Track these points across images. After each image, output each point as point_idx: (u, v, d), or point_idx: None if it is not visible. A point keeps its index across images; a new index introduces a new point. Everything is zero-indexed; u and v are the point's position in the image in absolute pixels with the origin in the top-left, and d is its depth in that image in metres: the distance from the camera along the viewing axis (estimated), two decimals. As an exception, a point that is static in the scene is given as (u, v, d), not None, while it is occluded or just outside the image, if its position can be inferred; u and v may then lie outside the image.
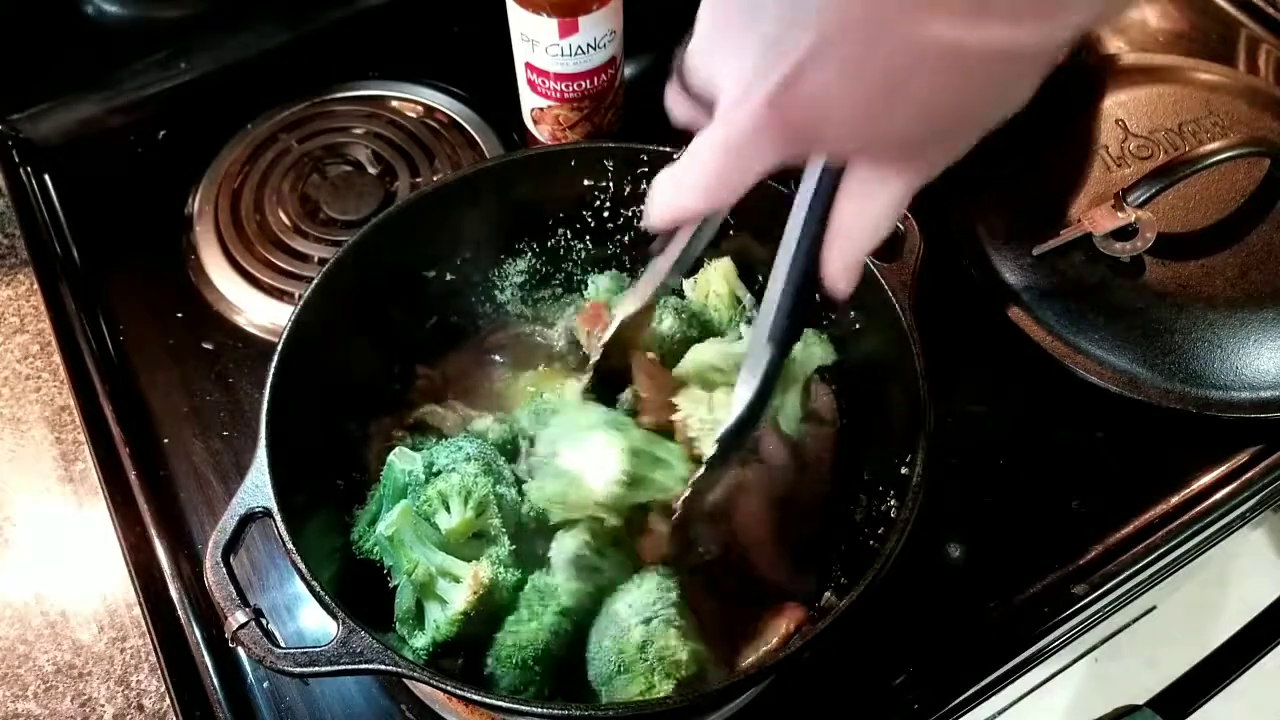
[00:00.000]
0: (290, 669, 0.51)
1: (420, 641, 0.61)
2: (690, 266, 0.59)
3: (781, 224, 0.46)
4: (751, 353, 0.50)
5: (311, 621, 0.70)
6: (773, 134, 0.38)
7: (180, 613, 0.70)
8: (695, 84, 0.40)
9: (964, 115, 0.37)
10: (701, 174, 0.40)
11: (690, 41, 0.40)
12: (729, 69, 0.38)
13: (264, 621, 0.53)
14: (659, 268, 0.56)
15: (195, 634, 0.69)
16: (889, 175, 0.40)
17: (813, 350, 0.71)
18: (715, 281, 0.74)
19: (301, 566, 0.54)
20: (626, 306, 0.60)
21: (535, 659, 0.59)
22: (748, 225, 0.72)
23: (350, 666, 0.52)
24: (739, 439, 0.54)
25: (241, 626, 0.53)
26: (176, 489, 0.76)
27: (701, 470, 0.57)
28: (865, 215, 0.41)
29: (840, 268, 0.43)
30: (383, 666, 0.52)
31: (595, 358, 0.66)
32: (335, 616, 0.53)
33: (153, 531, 0.73)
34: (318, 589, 0.54)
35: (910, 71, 0.34)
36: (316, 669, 0.51)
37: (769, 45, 0.36)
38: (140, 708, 0.67)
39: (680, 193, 0.42)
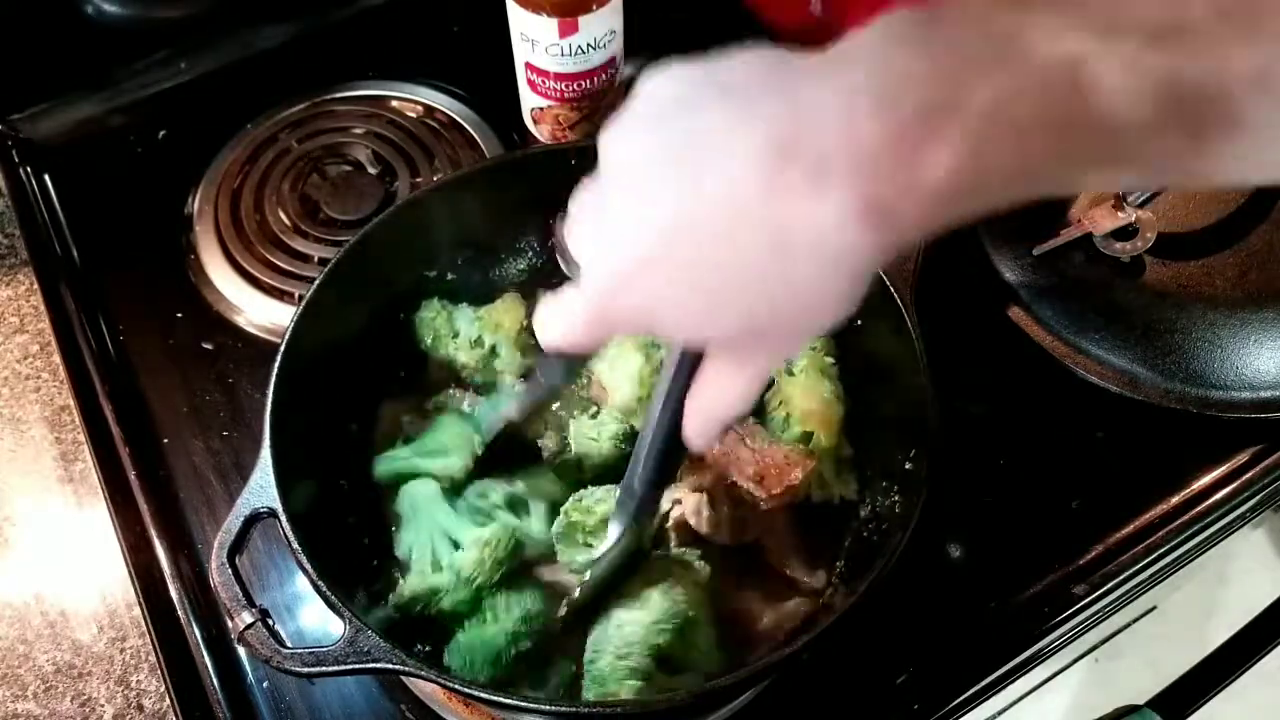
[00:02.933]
0: (297, 669, 0.52)
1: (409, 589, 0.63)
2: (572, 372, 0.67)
3: None
4: (621, 498, 0.56)
5: (311, 621, 0.70)
6: (608, 324, 0.42)
7: (180, 613, 0.70)
8: (568, 247, 0.44)
9: (800, 310, 0.38)
10: (564, 326, 0.45)
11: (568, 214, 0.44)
12: (585, 251, 0.41)
13: (270, 622, 0.53)
14: (542, 383, 0.63)
15: (195, 634, 0.69)
16: (739, 363, 0.43)
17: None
18: None
19: (308, 567, 0.54)
20: (510, 412, 0.66)
21: (487, 660, 0.60)
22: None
23: (358, 666, 0.52)
24: (607, 573, 0.60)
25: (248, 627, 0.53)
26: (176, 489, 0.76)
27: (575, 595, 0.61)
28: (717, 398, 0.45)
29: (697, 433, 0.47)
30: (390, 665, 0.52)
31: (477, 452, 0.69)
32: (342, 616, 0.53)
33: (153, 531, 0.73)
34: (324, 589, 0.54)
35: (740, 270, 0.37)
36: (324, 669, 0.52)
37: (611, 245, 0.39)
38: (140, 708, 0.67)
39: (552, 331, 0.46)
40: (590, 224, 0.41)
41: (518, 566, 0.65)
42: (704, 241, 0.36)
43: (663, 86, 0.39)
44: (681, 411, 0.47)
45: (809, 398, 0.69)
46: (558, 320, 0.45)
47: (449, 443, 0.68)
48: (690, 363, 0.47)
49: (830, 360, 0.71)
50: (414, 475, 0.67)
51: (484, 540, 0.62)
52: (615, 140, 0.39)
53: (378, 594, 0.64)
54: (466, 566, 0.62)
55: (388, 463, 0.68)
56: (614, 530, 0.59)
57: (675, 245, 0.37)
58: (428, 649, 0.63)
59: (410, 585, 0.63)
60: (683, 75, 0.38)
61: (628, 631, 0.59)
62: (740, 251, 0.36)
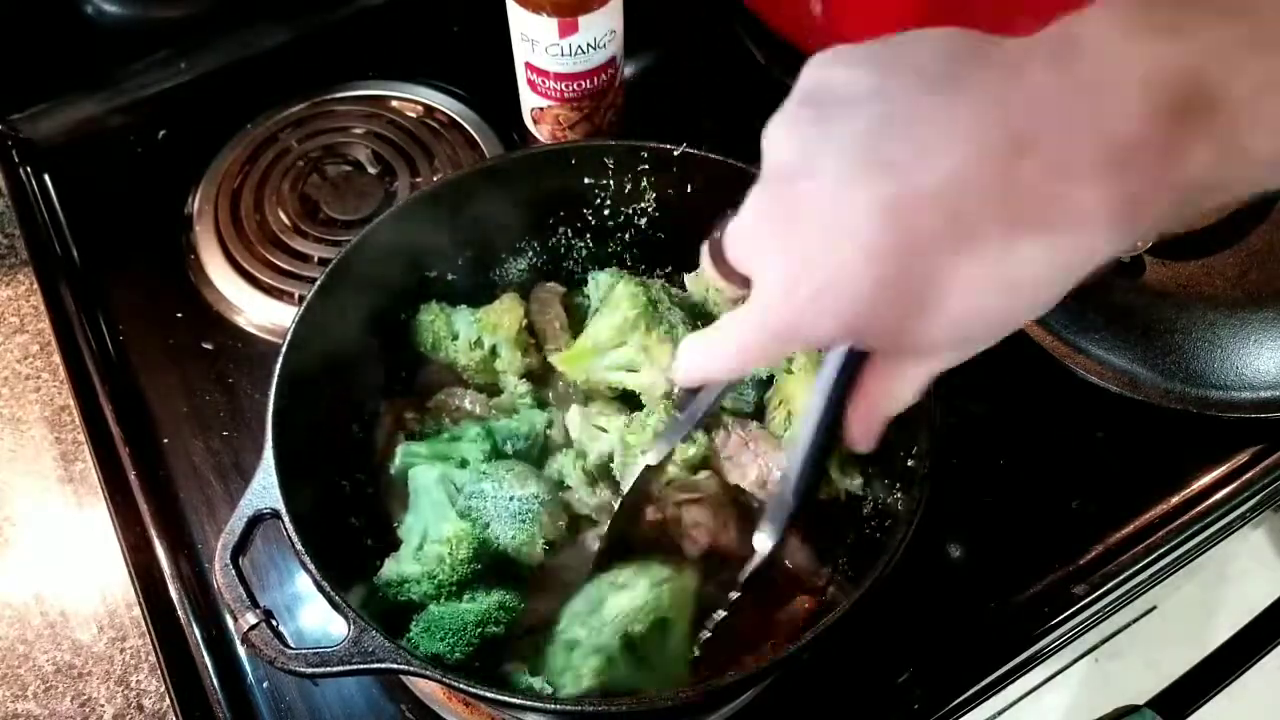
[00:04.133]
0: (302, 670, 0.51)
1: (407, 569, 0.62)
2: (709, 416, 0.63)
3: None
4: (775, 505, 0.54)
5: (311, 621, 0.70)
6: (813, 330, 0.38)
7: (180, 613, 0.70)
8: (733, 260, 0.41)
9: (1016, 307, 0.36)
10: (735, 348, 0.42)
11: (734, 221, 0.41)
12: (771, 261, 0.38)
13: (274, 623, 0.53)
14: (681, 423, 0.60)
15: (195, 634, 0.69)
16: (919, 363, 0.41)
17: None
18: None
19: (312, 568, 0.54)
20: (650, 457, 0.63)
21: (450, 634, 0.59)
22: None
23: (362, 666, 0.52)
24: (755, 581, 0.58)
25: (253, 628, 0.53)
26: (176, 489, 0.76)
27: (722, 613, 0.60)
28: (890, 396, 0.43)
29: (864, 435, 0.45)
30: (395, 665, 0.52)
31: (615, 507, 0.66)
32: (346, 617, 0.53)
33: (153, 531, 0.73)
34: (329, 590, 0.54)
35: (964, 286, 0.35)
36: (329, 669, 0.52)
37: (816, 246, 0.36)
38: (140, 708, 0.67)
39: (711, 360, 0.43)
40: (774, 232, 0.38)
41: (493, 566, 0.64)
42: (922, 240, 0.34)
43: (839, 72, 0.36)
44: (838, 417, 0.46)
45: (810, 394, 0.69)
46: (720, 348, 0.42)
47: (466, 452, 0.67)
48: (852, 366, 0.45)
49: None
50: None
51: (446, 538, 0.62)
52: (792, 134, 0.37)
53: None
54: (430, 561, 0.61)
55: (407, 459, 0.68)
56: (763, 541, 0.56)
57: (887, 247, 0.34)
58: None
59: (386, 570, 0.63)
60: (863, 58, 0.35)
61: (607, 609, 0.59)
62: (964, 248, 0.33)
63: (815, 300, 0.37)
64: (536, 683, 0.60)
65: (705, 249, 0.45)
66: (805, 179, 0.36)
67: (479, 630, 0.59)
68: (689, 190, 0.73)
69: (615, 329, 0.70)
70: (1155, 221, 0.33)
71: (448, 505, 0.64)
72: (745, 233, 0.40)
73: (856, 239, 0.34)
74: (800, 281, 0.37)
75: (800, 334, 0.39)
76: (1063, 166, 0.32)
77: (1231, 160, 0.31)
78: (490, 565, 0.63)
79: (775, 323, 0.39)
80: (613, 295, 0.72)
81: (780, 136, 0.37)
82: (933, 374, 0.42)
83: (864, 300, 0.35)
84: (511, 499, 0.64)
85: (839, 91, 0.36)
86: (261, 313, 0.86)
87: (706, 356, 0.44)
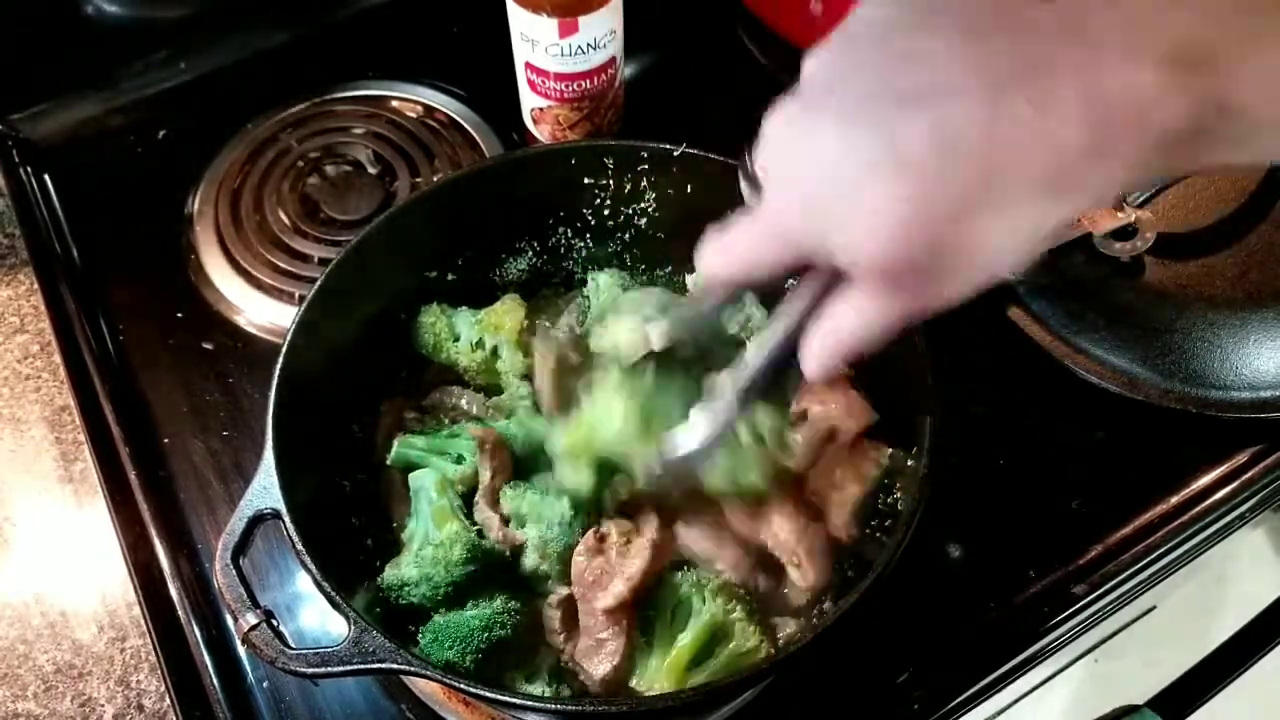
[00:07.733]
0: (302, 670, 0.51)
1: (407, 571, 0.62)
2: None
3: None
4: (719, 395, 0.53)
5: (311, 621, 0.71)
6: (804, 236, 0.41)
7: (180, 613, 0.70)
8: (754, 173, 0.44)
9: (979, 260, 0.39)
10: (733, 248, 0.45)
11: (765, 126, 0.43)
12: (785, 166, 0.41)
13: (275, 623, 0.53)
14: (678, 311, 0.59)
15: (195, 634, 0.69)
16: (885, 301, 0.42)
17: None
18: None
19: (312, 568, 0.54)
20: (654, 343, 0.60)
21: (456, 641, 0.59)
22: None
23: (363, 666, 0.52)
24: (683, 466, 0.56)
25: (253, 628, 0.53)
26: (176, 489, 0.76)
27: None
28: (850, 328, 0.44)
29: (816, 363, 0.46)
30: (395, 665, 0.52)
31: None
32: (347, 617, 0.53)
33: (153, 531, 0.73)
34: (329, 590, 0.54)
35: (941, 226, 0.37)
36: (329, 669, 0.52)
37: (826, 159, 0.39)
38: (140, 708, 0.67)
39: (721, 254, 0.46)
40: (790, 140, 0.40)
41: (493, 570, 0.64)
42: (913, 168, 0.36)
43: (879, 7, 0.39)
44: (799, 330, 0.46)
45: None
46: (730, 241, 0.45)
47: (463, 448, 0.67)
48: (824, 283, 0.46)
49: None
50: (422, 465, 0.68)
51: (438, 541, 0.62)
52: (825, 59, 0.39)
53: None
54: (426, 564, 0.61)
55: (403, 449, 0.68)
56: (698, 425, 0.54)
57: (881, 169, 0.36)
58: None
59: (387, 574, 0.63)
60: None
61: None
62: (950, 183, 0.36)
63: (810, 210, 0.40)
64: (536, 686, 0.60)
65: (740, 167, 0.48)
66: (824, 99, 0.39)
67: (485, 635, 0.59)
68: (689, 190, 0.73)
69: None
70: (1126, 169, 0.35)
71: (447, 509, 0.64)
72: (766, 140, 0.42)
73: (847, 162, 0.37)
74: (794, 188, 0.40)
75: (793, 236, 0.42)
76: (1050, 104, 0.34)
77: (1214, 113, 0.33)
78: (489, 568, 0.63)
79: (775, 219, 0.42)
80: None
81: (817, 60, 0.40)
82: (898, 318, 0.42)
83: (841, 214, 0.38)
84: None
85: (870, 24, 0.39)
86: (261, 313, 0.86)
87: (717, 250, 0.46)
